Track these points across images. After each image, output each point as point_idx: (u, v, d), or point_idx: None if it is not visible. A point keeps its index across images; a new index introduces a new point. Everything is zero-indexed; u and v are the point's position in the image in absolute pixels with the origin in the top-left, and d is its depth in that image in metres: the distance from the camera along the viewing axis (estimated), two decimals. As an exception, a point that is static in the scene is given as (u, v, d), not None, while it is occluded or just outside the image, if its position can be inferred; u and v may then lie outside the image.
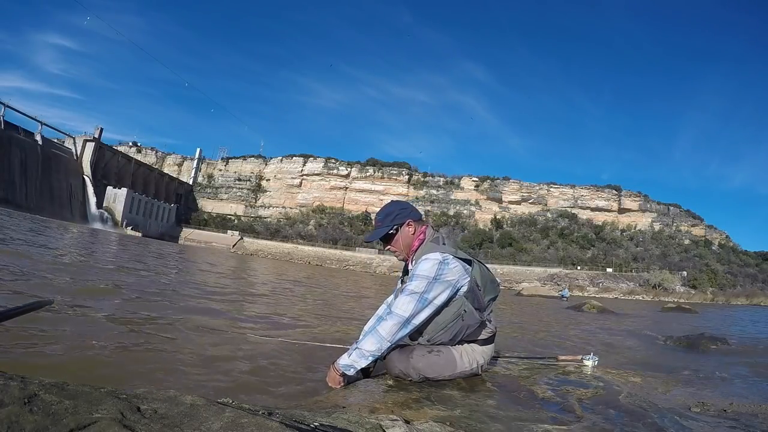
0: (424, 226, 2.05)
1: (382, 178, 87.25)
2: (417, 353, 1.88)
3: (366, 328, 2.15)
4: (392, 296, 2.17)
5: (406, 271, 2.09)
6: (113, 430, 0.80)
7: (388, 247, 2.05)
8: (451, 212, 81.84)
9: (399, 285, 2.10)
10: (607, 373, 2.46)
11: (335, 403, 1.52)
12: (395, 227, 1.99)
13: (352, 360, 1.79)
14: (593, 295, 38.96)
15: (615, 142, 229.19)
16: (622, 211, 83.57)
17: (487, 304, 2.00)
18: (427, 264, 1.83)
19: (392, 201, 2.14)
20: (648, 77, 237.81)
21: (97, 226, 48.74)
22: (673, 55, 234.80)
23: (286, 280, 12.59)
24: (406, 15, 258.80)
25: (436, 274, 1.80)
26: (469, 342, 2.00)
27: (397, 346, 1.99)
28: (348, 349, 1.97)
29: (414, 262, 1.97)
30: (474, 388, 1.87)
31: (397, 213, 2.00)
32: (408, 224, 2.00)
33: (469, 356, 1.97)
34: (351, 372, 1.80)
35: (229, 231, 67.52)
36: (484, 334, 2.01)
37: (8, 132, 46.58)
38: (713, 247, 75.68)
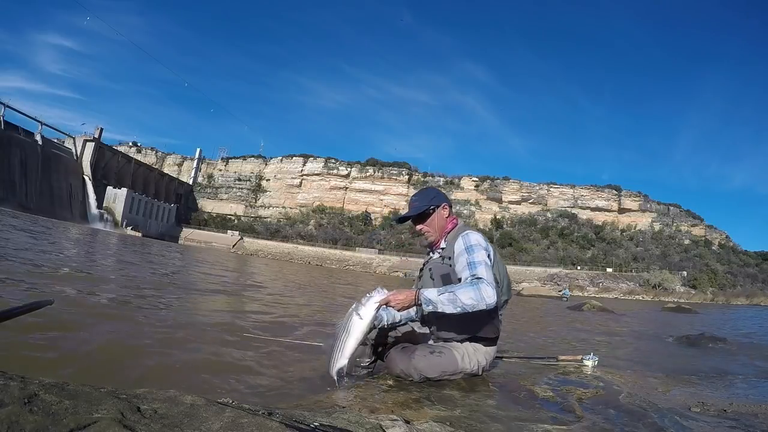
0: (455, 216, 2.13)
1: (382, 178, 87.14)
2: (419, 353, 1.89)
3: None
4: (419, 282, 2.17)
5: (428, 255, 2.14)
6: (113, 430, 0.80)
7: (421, 226, 2.06)
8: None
9: (425, 271, 2.05)
10: (607, 373, 2.45)
11: (335, 403, 1.52)
12: (432, 207, 2.04)
13: (429, 297, 1.74)
14: (593, 295, 38.95)
15: (615, 142, 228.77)
16: (622, 211, 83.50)
17: (501, 304, 2.02)
18: (475, 235, 1.93)
19: (428, 187, 2.24)
20: (648, 78, 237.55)
21: (97, 226, 48.71)
22: (674, 56, 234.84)
23: (286, 279, 12.59)
24: (406, 15, 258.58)
25: (486, 246, 1.91)
26: (474, 341, 2.00)
27: (400, 346, 2.00)
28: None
29: (446, 242, 2.02)
30: (474, 388, 1.87)
31: (434, 195, 2.08)
32: (444, 207, 2.07)
33: (471, 357, 1.97)
34: (428, 308, 1.76)
35: (229, 231, 67.49)
36: (491, 334, 2.02)
37: (8, 132, 46.50)
38: (713, 247, 75.58)
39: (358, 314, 1.78)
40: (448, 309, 1.73)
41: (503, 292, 2.01)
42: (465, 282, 1.78)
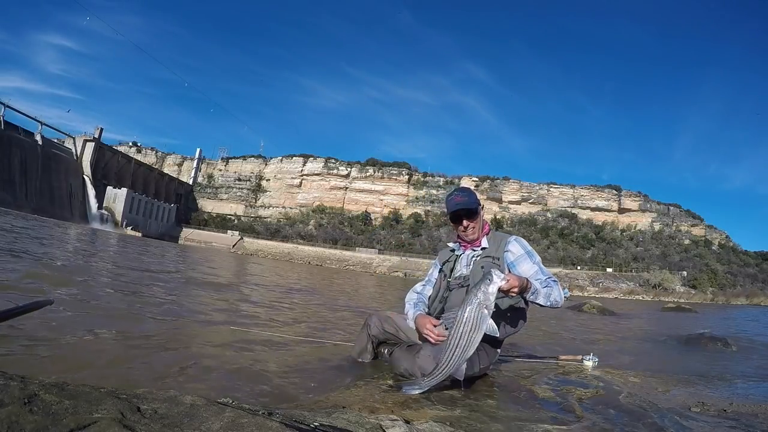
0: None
1: (382, 178, 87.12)
2: (423, 353, 1.89)
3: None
4: (426, 284, 2.25)
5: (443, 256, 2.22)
6: (113, 430, 0.80)
7: (469, 223, 2.08)
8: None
9: (476, 269, 2.05)
10: (607, 373, 2.45)
11: (335, 403, 1.52)
12: (480, 206, 2.12)
13: (537, 288, 1.84)
14: (593, 295, 38.92)
15: (615, 142, 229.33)
16: (622, 211, 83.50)
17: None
18: (526, 242, 2.07)
19: (464, 187, 2.30)
20: (649, 79, 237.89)
21: (97, 226, 48.67)
22: (674, 58, 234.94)
23: (286, 280, 12.58)
24: (407, 16, 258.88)
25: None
26: (483, 342, 2.01)
27: (404, 345, 2.00)
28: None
29: (489, 242, 2.09)
30: (474, 388, 1.87)
31: (476, 196, 2.17)
32: (482, 208, 2.16)
33: (473, 359, 1.97)
34: (531, 296, 1.84)
35: (229, 231, 67.44)
36: (502, 336, 2.05)
37: (8, 132, 46.47)
38: (713, 247, 75.57)
39: (486, 307, 1.60)
40: (541, 301, 1.87)
41: None
42: (549, 281, 1.93)
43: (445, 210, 2.17)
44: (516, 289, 1.70)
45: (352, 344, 2.29)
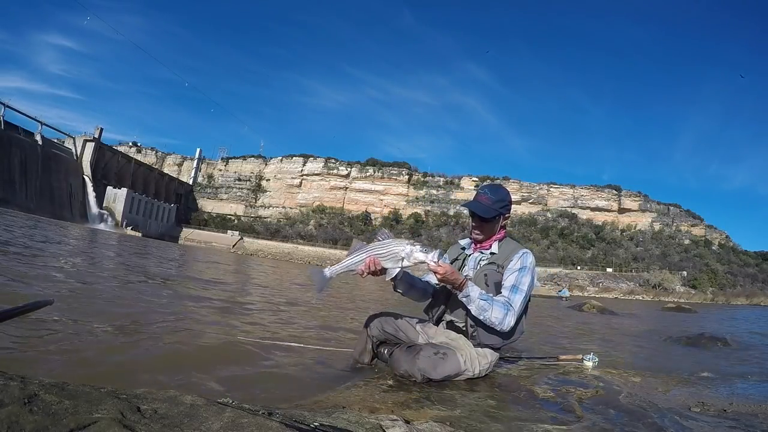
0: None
1: (382, 178, 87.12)
2: (423, 354, 1.89)
3: None
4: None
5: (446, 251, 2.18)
6: (113, 430, 0.80)
7: (481, 224, 2.05)
8: (451, 212, 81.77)
9: (480, 275, 2.03)
10: (607, 373, 2.46)
11: (335, 403, 1.52)
12: (499, 216, 2.05)
13: (470, 294, 1.83)
14: (593, 295, 38.95)
15: (616, 142, 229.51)
16: (622, 211, 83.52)
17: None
18: (532, 258, 2.01)
19: (502, 186, 2.17)
20: (649, 79, 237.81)
21: (97, 226, 48.66)
22: (675, 58, 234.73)
23: (286, 280, 12.58)
24: (407, 16, 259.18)
25: (534, 270, 2.02)
26: (482, 346, 2.00)
27: (404, 346, 2.00)
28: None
29: (500, 249, 2.04)
30: (474, 388, 1.87)
31: (508, 203, 2.08)
32: (506, 217, 2.09)
33: (473, 360, 1.98)
34: (464, 299, 1.84)
35: (229, 231, 67.45)
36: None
37: (8, 132, 46.44)
38: (713, 247, 75.57)
39: (403, 258, 1.73)
40: (474, 311, 1.85)
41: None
42: (500, 300, 1.88)
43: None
44: (441, 275, 1.75)
45: (352, 343, 2.29)
